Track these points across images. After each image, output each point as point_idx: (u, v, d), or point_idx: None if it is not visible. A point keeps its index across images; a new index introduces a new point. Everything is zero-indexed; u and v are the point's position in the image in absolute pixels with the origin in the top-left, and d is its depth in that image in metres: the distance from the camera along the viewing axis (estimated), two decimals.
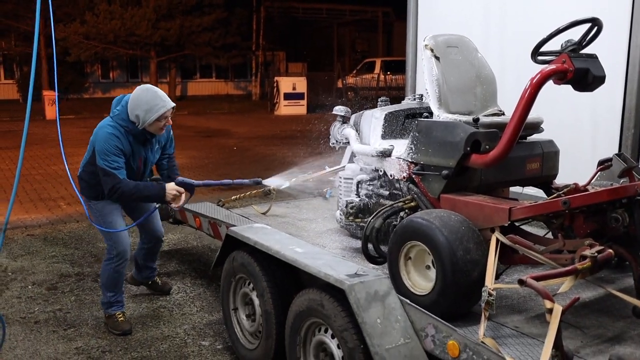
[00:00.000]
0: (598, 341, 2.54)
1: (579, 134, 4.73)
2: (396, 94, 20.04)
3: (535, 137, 3.41)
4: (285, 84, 22.45)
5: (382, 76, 25.63)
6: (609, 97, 4.49)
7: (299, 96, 22.38)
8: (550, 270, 2.40)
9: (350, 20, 34.57)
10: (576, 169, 3.94)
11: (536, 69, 3.02)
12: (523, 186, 3.48)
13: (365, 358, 2.53)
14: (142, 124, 3.77)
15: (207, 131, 16.91)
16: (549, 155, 3.38)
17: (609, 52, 4.31)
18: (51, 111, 19.35)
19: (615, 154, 4.48)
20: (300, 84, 22.57)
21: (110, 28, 23.75)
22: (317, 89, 24.09)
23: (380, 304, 2.56)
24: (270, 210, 4.73)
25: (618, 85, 4.47)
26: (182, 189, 3.92)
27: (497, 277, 2.82)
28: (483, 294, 2.50)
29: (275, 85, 22.79)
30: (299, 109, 22.25)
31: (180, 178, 3.98)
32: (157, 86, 3.95)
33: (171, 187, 3.88)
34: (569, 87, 2.87)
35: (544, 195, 3.45)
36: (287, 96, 22.28)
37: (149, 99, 3.76)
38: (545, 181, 3.43)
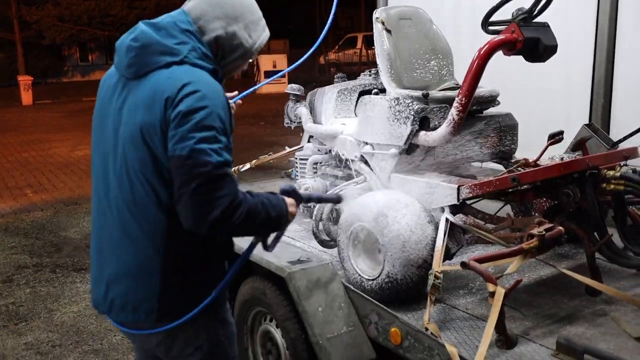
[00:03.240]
0: (550, 321, 2.45)
1: (550, 105, 4.62)
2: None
3: (493, 110, 3.29)
4: (266, 61, 22.12)
5: (364, 51, 25.35)
6: (579, 66, 4.37)
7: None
8: (495, 251, 2.29)
9: None
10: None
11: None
12: (481, 162, 3.36)
13: (307, 348, 2.43)
14: (243, 57, 1.81)
15: None
16: (507, 129, 3.26)
17: (577, 21, 4.20)
18: (27, 96, 18.98)
19: (585, 125, 4.40)
20: (281, 62, 22.26)
21: (84, 9, 23.26)
22: (299, 66, 23.76)
23: (323, 291, 2.45)
24: None
25: (587, 55, 4.35)
26: (294, 201, 1.91)
27: (451, 257, 2.72)
28: (429, 277, 2.40)
29: (255, 63, 22.45)
30: (280, 86, 21.78)
31: (284, 185, 1.98)
32: None
33: (291, 204, 1.86)
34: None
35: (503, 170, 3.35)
36: (268, 74, 21.97)
37: (251, 3, 1.81)
38: (504, 156, 3.32)
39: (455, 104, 2.64)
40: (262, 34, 1.78)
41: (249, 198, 1.60)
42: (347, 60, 25.18)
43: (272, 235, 1.84)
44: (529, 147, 3.36)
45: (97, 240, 1.74)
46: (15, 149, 10.91)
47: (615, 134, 4.28)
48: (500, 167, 3.43)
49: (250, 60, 1.87)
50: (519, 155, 3.26)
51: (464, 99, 2.62)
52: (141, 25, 1.65)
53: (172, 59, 1.59)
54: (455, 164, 3.23)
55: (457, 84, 3.41)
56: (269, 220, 1.68)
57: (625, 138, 3.70)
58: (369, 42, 25.87)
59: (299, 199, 1.89)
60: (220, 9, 1.68)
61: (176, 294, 1.66)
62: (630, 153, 2.70)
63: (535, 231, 2.33)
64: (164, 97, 1.53)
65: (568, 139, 4.24)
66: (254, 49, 1.76)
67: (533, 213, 3.04)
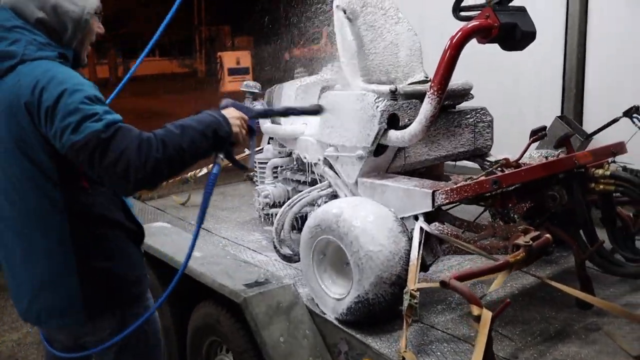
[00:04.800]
0: (539, 339, 2.19)
1: (520, 98, 4.42)
2: None
3: (465, 104, 3.02)
4: (229, 58, 21.62)
5: (329, 46, 25.05)
6: (550, 57, 4.18)
7: (244, 71, 21.57)
8: (478, 266, 2.02)
9: None
10: (520, 135, 3.61)
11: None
12: (455, 161, 3.10)
13: None
14: (78, 30, 1.61)
15: (148, 113, 16.07)
16: (482, 125, 3.00)
17: (545, 7, 3.98)
18: None
19: (557, 117, 4.19)
20: (245, 59, 21.79)
21: None
22: (264, 63, 23.36)
23: (285, 317, 2.15)
24: (190, 200, 4.27)
25: (558, 44, 4.16)
26: (241, 113, 1.72)
27: (426, 269, 2.44)
28: (405, 296, 2.12)
29: (218, 60, 21.95)
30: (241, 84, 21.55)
31: (225, 100, 1.79)
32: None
33: (230, 111, 1.68)
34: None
35: (479, 169, 3.09)
36: (232, 71, 21.48)
37: None
38: (479, 154, 3.06)
39: (427, 100, 2.36)
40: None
41: (159, 130, 1.53)
42: (313, 57, 24.79)
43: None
44: (499, 142, 3.12)
45: (4, 258, 1.70)
46: None
47: (588, 126, 4.10)
48: (475, 165, 3.18)
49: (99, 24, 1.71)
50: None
51: (436, 93, 2.34)
52: None
53: (11, 62, 1.49)
54: (427, 164, 2.96)
55: (427, 77, 3.13)
56: (201, 136, 1.54)
57: (599, 130, 3.51)
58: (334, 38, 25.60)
59: (244, 110, 1.72)
60: None
61: (99, 289, 1.66)
62: (618, 149, 2.46)
63: (521, 241, 2.06)
64: (22, 103, 1.45)
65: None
66: (86, 12, 1.60)
67: (512, 215, 2.78)
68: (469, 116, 2.96)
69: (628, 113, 3.12)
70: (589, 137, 3.76)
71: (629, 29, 3.76)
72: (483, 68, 3.63)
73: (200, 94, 20.85)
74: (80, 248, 1.62)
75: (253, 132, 1.74)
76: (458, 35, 2.32)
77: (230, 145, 1.66)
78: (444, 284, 1.90)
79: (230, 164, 1.81)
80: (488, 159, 3.07)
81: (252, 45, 28.39)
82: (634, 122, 3.09)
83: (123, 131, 1.44)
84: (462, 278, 1.92)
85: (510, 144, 3.06)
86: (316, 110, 2.03)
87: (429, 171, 3.03)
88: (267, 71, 20.84)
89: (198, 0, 28.28)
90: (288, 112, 2.03)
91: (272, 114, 2.08)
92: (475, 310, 1.80)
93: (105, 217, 1.64)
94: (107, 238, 1.66)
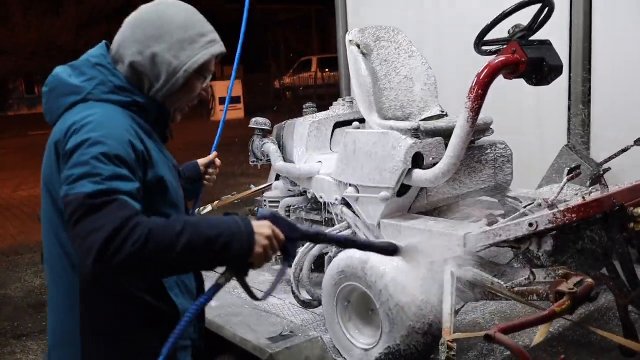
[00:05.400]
0: None
1: (524, 125, 4.34)
2: (334, 91, 19.61)
3: (484, 139, 2.93)
4: (220, 88, 21.58)
5: (319, 74, 25.14)
6: (554, 82, 4.13)
7: (236, 100, 21.55)
8: (522, 318, 1.89)
9: (284, 20, 33.96)
10: (523, 163, 3.52)
11: (479, 61, 2.53)
12: (475, 197, 2.99)
13: None
14: (170, 83, 1.41)
15: None
16: (502, 160, 2.91)
17: (547, 32, 3.94)
18: None
19: (566, 146, 4.12)
20: (236, 88, 21.79)
21: (28, 39, 22.34)
22: (254, 92, 23.38)
23: None
24: None
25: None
26: (278, 232, 1.25)
27: (455, 314, 2.31)
28: (441, 348, 1.98)
29: (209, 90, 21.94)
30: (237, 113, 21.45)
31: (264, 210, 1.75)
32: None
33: (262, 226, 1.24)
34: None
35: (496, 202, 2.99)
36: (223, 101, 21.48)
37: (187, 18, 1.44)
38: (500, 189, 2.96)
39: (455, 138, 2.26)
40: (198, 52, 1.41)
41: (158, 220, 1.18)
42: (302, 84, 24.89)
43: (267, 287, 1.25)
44: None
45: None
46: None
47: (595, 154, 4.03)
48: (494, 200, 3.08)
49: (205, 86, 1.51)
50: None
51: (465, 131, 2.23)
52: (57, 69, 1.44)
53: (75, 99, 1.36)
54: (448, 203, 2.85)
55: (443, 112, 3.05)
56: (206, 244, 1.16)
57: (610, 159, 3.43)
58: (324, 65, 25.71)
59: (286, 228, 1.22)
60: (142, 30, 1.39)
61: None
62: None
63: (564, 288, 1.95)
64: (54, 142, 1.33)
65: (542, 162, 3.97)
66: (185, 70, 1.39)
67: (538, 254, 2.66)
68: (488, 151, 2.86)
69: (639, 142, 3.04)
70: (599, 166, 3.69)
71: (636, 50, 3.71)
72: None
73: (188, 124, 20.75)
74: (86, 316, 1.36)
75: (289, 257, 1.27)
76: (485, 72, 2.23)
77: (246, 267, 1.21)
78: (489, 337, 1.77)
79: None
80: (509, 194, 2.98)
81: (242, 73, 28.47)
82: None
83: (113, 206, 1.16)
84: (507, 330, 1.80)
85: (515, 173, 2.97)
86: (392, 251, 1.32)
87: (448, 208, 2.92)
88: (260, 99, 20.86)
89: None
90: (351, 244, 1.38)
91: (327, 241, 1.37)
92: None
93: (120, 289, 1.32)
94: (117, 314, 1.35)
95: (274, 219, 1.21)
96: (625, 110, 3.90)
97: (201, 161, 1.87)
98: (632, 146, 3.08)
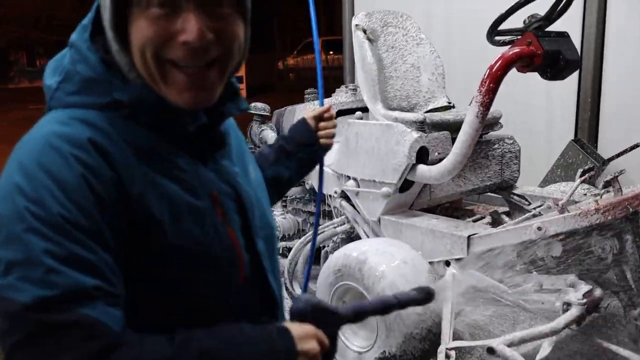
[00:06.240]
0: None
1: (531, 119, 4.22)
2: (337, 74, 19.41)
3: (493, 134, 2.80)
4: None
5: (323, 56, 24.91)
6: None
7: (238, 80, 21.32)
8: (527, 330, 1.78)
9: None
10: (530, 159, 3.40)
11: (491, 51, 2.40)
12: (480, 194, 2.87)
13: None
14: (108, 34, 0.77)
15: None
16: (510, 156, 2.78)
17: (560, 27, 3.79)
18: None
19: (572, 140, 3.99)
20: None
21: (29, 9, 22.08)
22: (258, 72, 23.15)
23: None
24: None
25: None
26: (323, 338, 0.82)
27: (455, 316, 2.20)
28: (439, 356, 1.88)
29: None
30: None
31: (300, 300, 0.84)
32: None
33: (306, 338, 0.78)
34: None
35: (504, 200, 2.87)
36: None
37: None
38: (506, 186, 2.84)
39: (463, 134, 2.13)
40: None
41: (152, 347, 0.69)
42: (306, 66, 24.68)
43: None
44: None
45: None
46: None
47: (603, 149, 3.91)
48: (498, 197, 2.95)
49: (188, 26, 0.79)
50: None
51: (474, 126, 2.10)
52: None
53: (47, 108, 0.81)
54: (452, 199, 2.73)
55: (450, 103, 2.91)
56: None
57: (617, 155, 3.32)
58: (329, 47, 25.45)
59: (329, 318, 0.84)
60: None
61: None
62: None
63: (573, 298, 1.84)
64: None
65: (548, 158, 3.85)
66: None
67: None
68: (496, 146, 2.74)
69: None
70: (605, 162, 3.57)
71: None
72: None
73: None
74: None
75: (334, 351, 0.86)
76: (498, 64, 2.09)
77: None
78: (491, 350, 1.66)
79: None
80: (514, 191, 2.85)
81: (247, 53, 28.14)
82: None
83: (72, 332, 0.65)
84: (511, 344, 1.69)
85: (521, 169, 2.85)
86: (426, 299, 0.98)
87: (451, 204, 2.80)
88: (261, 79, 20.61)
89: None
90: (389, 308, 0.96)
91: (370, 313, 0.94)
92: None
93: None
94: None
95: (314, 313, 0.83)
96: (635, 107, 3.78)
97: (308, 115, 1.28)
98: None
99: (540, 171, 3.93)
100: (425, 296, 0.95)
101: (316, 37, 1.41)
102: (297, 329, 0.78)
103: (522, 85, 3.83)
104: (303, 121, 1.27)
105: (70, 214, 0.68)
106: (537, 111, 4.20)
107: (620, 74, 3.82)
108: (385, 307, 0.94)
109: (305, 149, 1.24)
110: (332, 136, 1.29)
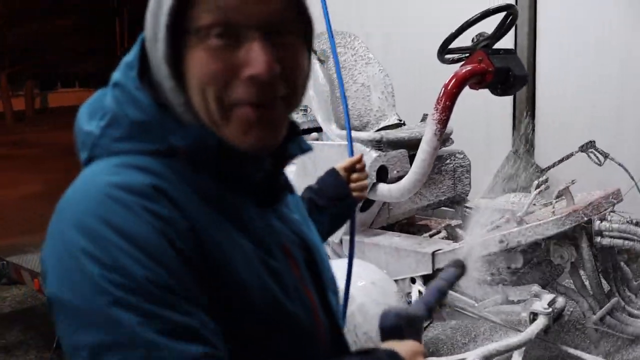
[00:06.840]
0: None
1: (469, 132, 4.34)
2: None
3: (443, 149, 2.85)
4: None
5: None
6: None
7: None
8: (501, 342, 1.80)
9: None
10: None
11: (440, 68, 2.46)
12: (434, 209, 2.92)
13: None
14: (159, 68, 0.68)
15: (69, 148, 15.22)
16: (461, 170, 2.84)
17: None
18: None
19: (512, 151, 4.13)
20: None
21: None
22: None
23: None
24: None
25: None
26: (423, 349, 0.74)
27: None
28: None
29: None
30: None
31: (389, 315, 0.75)
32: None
33: (412, 351, 0.70)
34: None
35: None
36: None
37: None
38: (458, 199, 2.89)
39: (422, 153, 2.15)
40: None
41: None
42: None
43: None
44: None
45: None
46: None
47: (540, 160, 4.08)
48: (451, 210, 3.01)
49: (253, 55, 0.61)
50: None
51: (432, 144, 2.14)
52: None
53: (84, 157, 0.70)
54: (408, 215, 2.76)
55: (400, 120, 2.95)
56: None
57: (554, 165, 3.45)
58: None
59: (420, 326, 0.80)
60: None
61: None
62: (617, 197, 2.33)
63: (539, 308, 1.88)
64: None
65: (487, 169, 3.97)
66: (163, 23, 0.70)
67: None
68: (448, 161, 2.79)
69: (584, 148, 3.05)
70: (542, 172, 3.70)
71: (580, 56, 3.78)
72: (430, 98, 3.53)
73: None
74: None
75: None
76: (453, 82, 2.14)
77: None
78: None
79: None
80: (466, 204, 2.91)
81: None
82: (590, 157, 3.02)
83: None
84: (488, 356, 1.70)
85: None
86: (463, 269, 0.97)
87: (408, 221, 2.83)
88: None
89: (120, 29, 27.47)
90: (445, 293, 0.96)
91: (436, 304, 0.96)
92: None
93: None
94: None
95: (407, 326, 0.77)
96: (569, 116, 3.96)
97: (339, 166, 1.19)
98: (576, 152, 3.09)
99: (482, 183, 4.05)
100: (462, 268, 0.94)
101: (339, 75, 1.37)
102: (404, 349, 0.70)
103: (461, 101, 3.96)
104: (334, 173, 1.16)
105: (157, 275, 0.57)
106: (476, 125, 4.33)
107: (553, 84, 3.99)
108: (442, 293, 0.92)
109: (338, 202, 1.14)
110: (365, 188, 1.18)
